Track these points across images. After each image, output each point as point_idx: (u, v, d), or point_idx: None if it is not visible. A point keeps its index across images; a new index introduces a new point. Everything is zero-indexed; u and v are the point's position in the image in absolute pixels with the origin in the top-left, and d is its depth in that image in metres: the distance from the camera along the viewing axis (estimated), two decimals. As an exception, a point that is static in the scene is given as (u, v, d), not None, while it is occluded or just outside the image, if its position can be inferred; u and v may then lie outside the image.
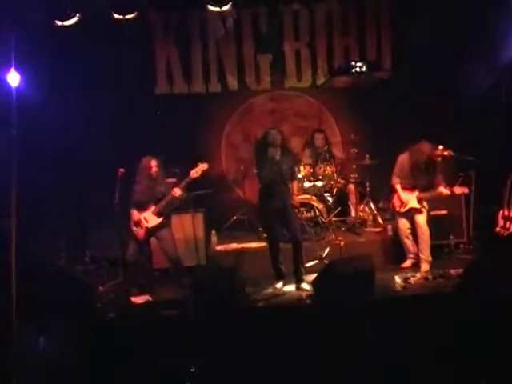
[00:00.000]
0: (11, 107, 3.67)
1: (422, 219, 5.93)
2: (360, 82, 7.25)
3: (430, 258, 5.90)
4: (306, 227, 6.49)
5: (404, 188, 6.01)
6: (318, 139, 7.43)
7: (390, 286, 5.43)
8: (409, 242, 6.07)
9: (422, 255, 5.90)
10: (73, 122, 6.74)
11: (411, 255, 6.09)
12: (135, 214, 5.70)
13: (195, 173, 5.66)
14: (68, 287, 4.84)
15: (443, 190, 5.86)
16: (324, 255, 6.02)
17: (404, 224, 6.05)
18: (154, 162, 5.73)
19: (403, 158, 6.04)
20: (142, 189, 5.74)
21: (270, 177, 5.45)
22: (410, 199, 5.95)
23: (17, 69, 3.95)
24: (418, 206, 5.93)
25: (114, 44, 7.03)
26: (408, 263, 6.10)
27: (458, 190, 5.90)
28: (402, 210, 5.98)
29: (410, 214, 6.00)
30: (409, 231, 6.05)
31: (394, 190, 6.11)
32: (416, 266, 5.97)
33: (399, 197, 6.01)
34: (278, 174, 5.50)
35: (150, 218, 5.69)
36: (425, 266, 5.85)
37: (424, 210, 5.97)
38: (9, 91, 3.83)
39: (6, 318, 3.42)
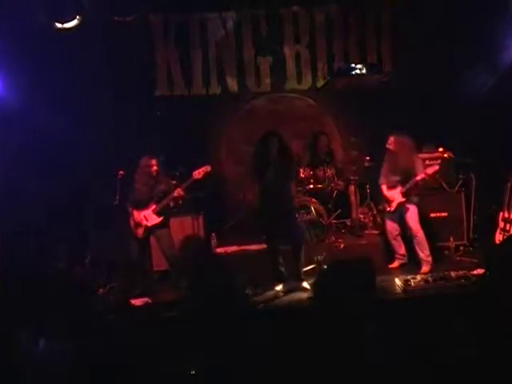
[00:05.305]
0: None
1: (412, 219, 5.91)
2: (360, 84, 7.26)
3: (430, 258, 5.89)
4: (306, 229, 6.49)
5: (388, 187, 6.09)
6: (323, 142, 7.43)
7: (390, 289, 5.43)
8: (396, 244, 6.13)
9: (421, 254, 5.88)
10: (73, 123, 6.73)
11: (399, 256, 6.15)
12: (135, 212, 5.70)
13: (198, 174, 5.67)
14: (68, 289, 4.83)
15: (418, 177, 5.87)
16: (321, 259, 6.01)
17: (392, 226, 6.10)
18: (153, 161, 5.73)
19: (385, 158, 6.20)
20: (141, 187, 5.73)
21: (271, 180, 5.44)
22: (395, 195, 6.00)
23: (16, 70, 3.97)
24: (402, 199, 5.94)
25: (114, 46, 7.05)
26: (395, 264, 6.15)
27: (430, 169, 5.92)
28: (392, 208, 6.02)
29: (399, 215, 6.02)
30: (396, 233, 6.10)
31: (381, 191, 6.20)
32: (404, 267, 6.04)
33: (384, 196, 6.10)
34: (279, 176, 5.48)
35: (150, 217, 5.69)
36: (425, 267, 5.84)
37: (412, 206, 5.94)
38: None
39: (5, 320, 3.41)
